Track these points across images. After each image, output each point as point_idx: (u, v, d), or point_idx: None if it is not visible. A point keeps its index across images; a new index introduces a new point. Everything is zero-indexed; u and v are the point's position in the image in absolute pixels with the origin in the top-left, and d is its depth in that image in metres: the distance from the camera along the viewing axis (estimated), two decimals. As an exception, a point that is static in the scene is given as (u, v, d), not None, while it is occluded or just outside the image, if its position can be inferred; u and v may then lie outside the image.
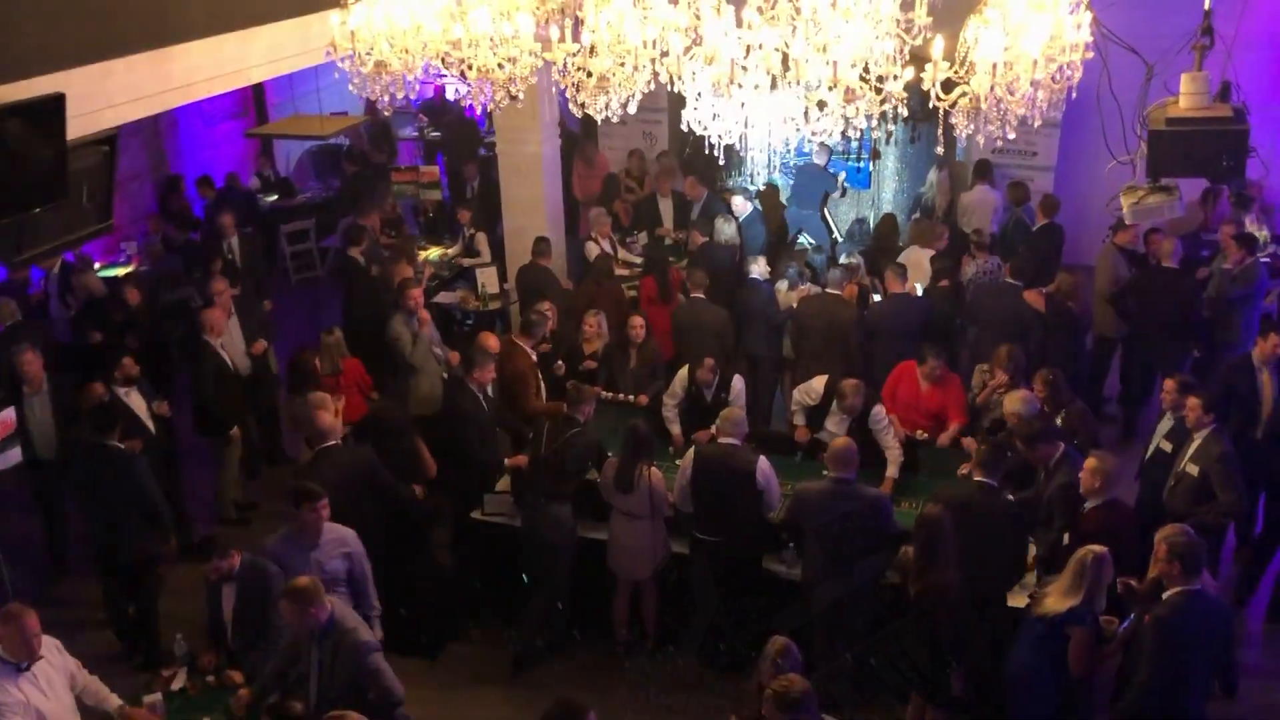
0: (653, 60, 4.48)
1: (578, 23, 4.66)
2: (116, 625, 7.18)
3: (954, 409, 7.40)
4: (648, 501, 6.45)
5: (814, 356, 8.26)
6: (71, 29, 5.16)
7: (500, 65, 4.70)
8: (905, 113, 4.28)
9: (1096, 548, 5.09)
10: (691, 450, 6.56)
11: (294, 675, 5.15)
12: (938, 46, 4.14)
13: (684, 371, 7.56)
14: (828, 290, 8.62)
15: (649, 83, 4.58)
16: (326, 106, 10.52)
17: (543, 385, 7.93)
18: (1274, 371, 7.17)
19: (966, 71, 4.25)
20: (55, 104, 4.84)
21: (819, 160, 11.02)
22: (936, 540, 5.41)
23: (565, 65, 4.62)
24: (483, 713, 6.63)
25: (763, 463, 6.29)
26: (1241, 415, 7.09)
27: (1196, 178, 5.68)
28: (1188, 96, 5.26)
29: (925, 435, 7.35)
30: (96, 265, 10.58)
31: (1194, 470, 6.34)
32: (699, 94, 4.40)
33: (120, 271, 11.20)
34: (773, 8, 4.22)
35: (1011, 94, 4.24)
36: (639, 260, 10.44)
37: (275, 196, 13.57)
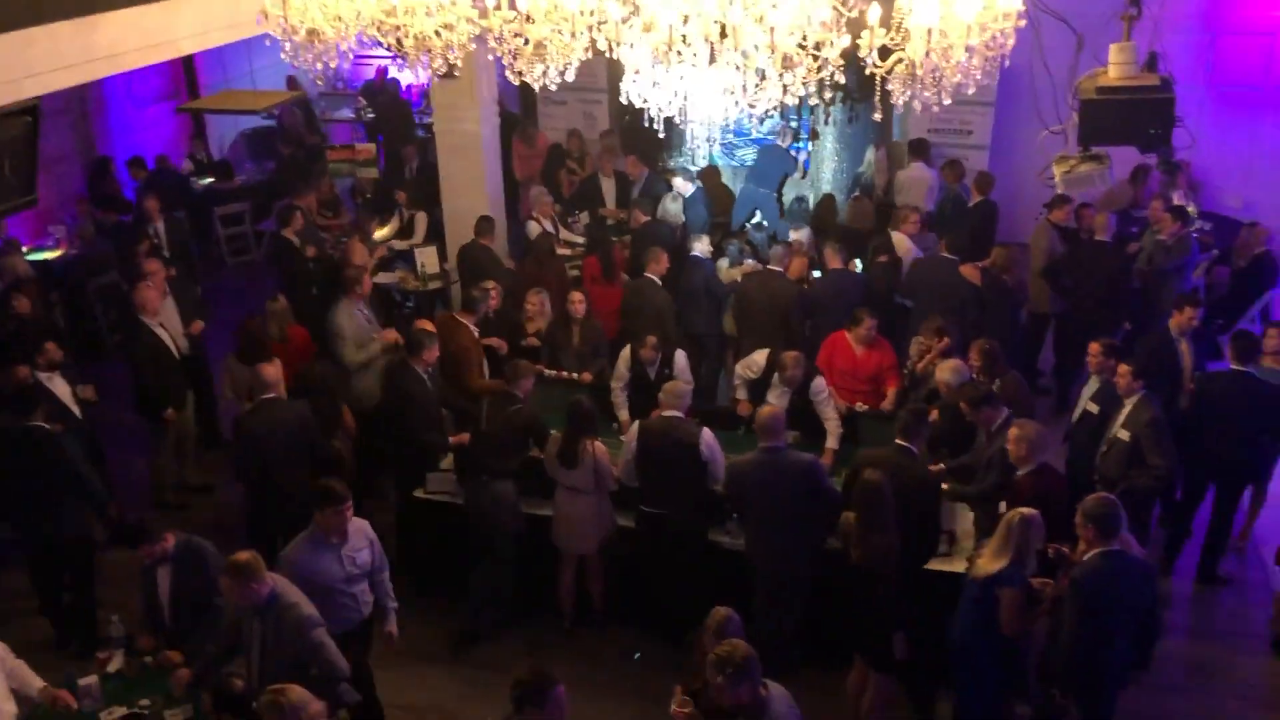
0: (590, 28, 4.46)
1: (515, -12, 4.62)
2: (51, 614, 7.03)
3: (889, 373, 7.52)
4: (592, 476, 6.46)
5: (756, 333, 8.31)
6: (-10, -5, 5.02)
7: (437, 33, 4.64)
8: (842, 79, 4.31)
9: (1026, 510, 5.19)
10: (636, 424, 6.57)
11: (235, 653, 5.08)
12: (874, 13, 4.18)
13: (627, 351, 7.57)
14: (769, 267, 8.67)
15: (587, 50, 4.55)
16: (261, 87, 10.35)
17: (486, 363, 7.88)
18: (1191, 342, 7.40)
19: (903, 38, 4.29)
20: (-27, 72, 4.72)
21: (782, 142, 11.08)
22: (877, 506, 5.47)
23: (501, 33, 4.58)
24: (428, 692, 6.59)
25: (706, 434, 6.32)
26: (1167, 385, 7.28)
27: (1127, 145, 5.81)
28: (1117, 66, 5.36)
29: (865, 406, 7.43)
30: (25, 249, 10.31)
31: (1125, 436, 6.50)
32: (637, 69, 4.39)
33: (49, 255, 10.93)
34: (711, -27, 4.22)
35: (947, 61, 4.28)
36: (581, 240, 10.41)
37: (210, 179, 13.31)
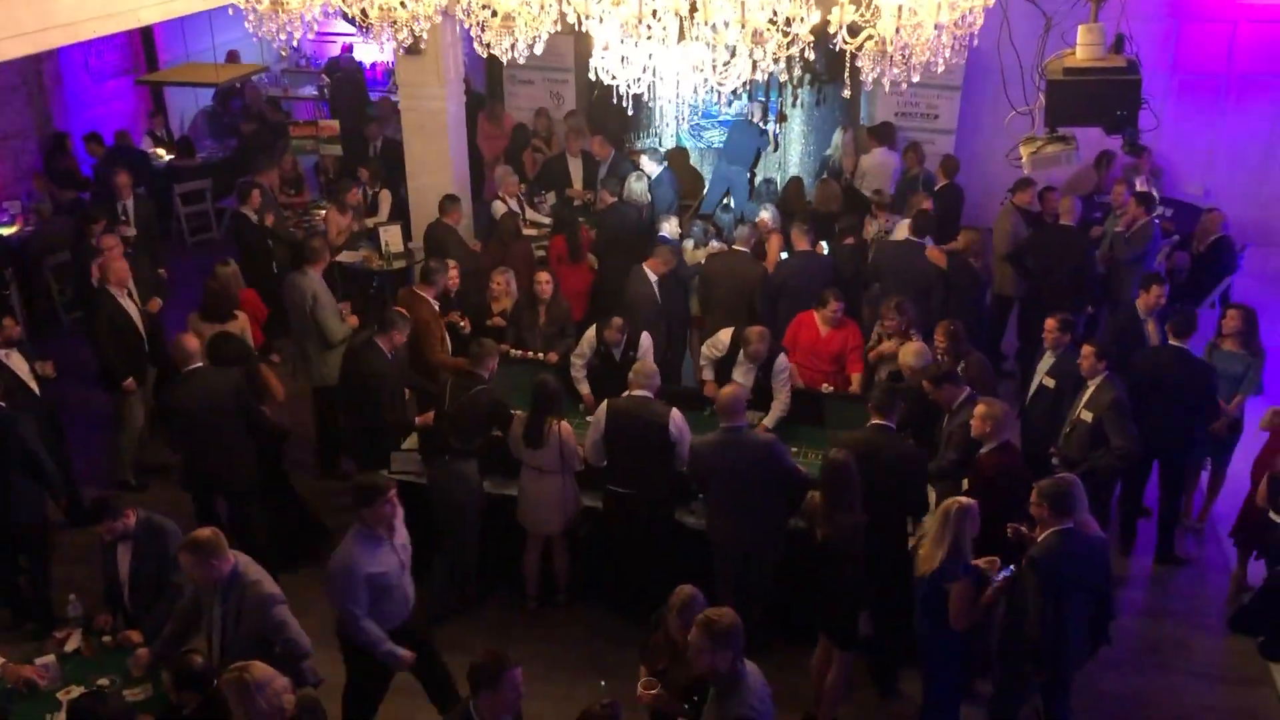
0: (559, 0, 4.42)
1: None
2: (7, 595, 6.90)
3: (853, 355, 7.56)
4: (558, 456, 6.43)
5: (721, 313, 8.31)
6: (-58, -40, 4.89)
7: (403, 3, 4.59)
8: (811, 56, 4.30)
9: (963, 499, 5.21)
10: (605, 403, 6.55)
11: (195, 631, 5.02)
12: (844, -11, 4.17)
13: (591, 331, 7.53)
14: (734, 248, 8.67)
15: (555, 23, 4.51)
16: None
17: (447, 338, 7.86)
18: (1158, 322, 7.48)
19: (873, 15, 4.28)
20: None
21: (755, 117, 11.05)
22: (842, 484, 5.48)
23: (469, 4, 4.53)
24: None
25: (675, 415, 6.30)
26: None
27: (1094, 126, 5.84)
28: (1084, 47, 5.40)
29: (830, 388, 7.46)
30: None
31: (1088, 417, 6.56)
32: (606, 44, 4.35)
33: (4, 231, 10.72)
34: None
35: (917, 38, 4.29)
36: (547, 220, 10.36)
37: (170, 156, 13.09)
